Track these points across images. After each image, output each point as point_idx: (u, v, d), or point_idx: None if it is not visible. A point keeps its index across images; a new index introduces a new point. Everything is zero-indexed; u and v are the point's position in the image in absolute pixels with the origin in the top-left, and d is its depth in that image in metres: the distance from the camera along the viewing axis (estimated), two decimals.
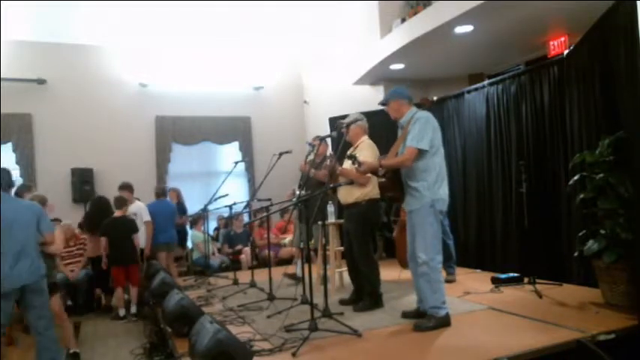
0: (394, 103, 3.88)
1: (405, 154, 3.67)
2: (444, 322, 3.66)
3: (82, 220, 7.33)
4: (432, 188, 3.66)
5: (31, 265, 3.72)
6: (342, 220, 4.80)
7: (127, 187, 6.65)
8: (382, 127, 4.33)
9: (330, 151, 6.18)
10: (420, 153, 3.64)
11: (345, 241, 4.66)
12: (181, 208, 7.68)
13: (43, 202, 4.62)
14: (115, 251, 5.98)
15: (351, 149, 4.54)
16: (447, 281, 5.25)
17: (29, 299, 3.75)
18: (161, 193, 7.17)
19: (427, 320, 3.67)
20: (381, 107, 4.10)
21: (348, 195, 4.41)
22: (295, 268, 5.77)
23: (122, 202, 6.14)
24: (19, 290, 3.68)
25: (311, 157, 5.32)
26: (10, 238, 3.67)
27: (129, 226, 6.04)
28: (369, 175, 4.17)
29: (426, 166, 3.67)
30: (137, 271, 6.02)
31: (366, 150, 4.33)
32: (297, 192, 5.49)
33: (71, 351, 4.55)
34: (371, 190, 4.31)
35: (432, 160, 3.68)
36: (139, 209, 6.51)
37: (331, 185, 4.26)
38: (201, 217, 7.39)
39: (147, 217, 6.50)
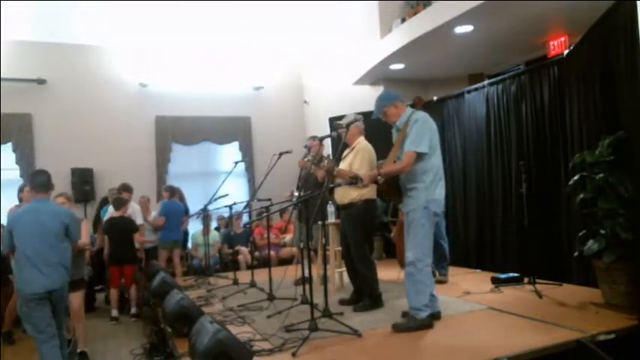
0: (391, 109, 3.82)
1: (404, 160, 3.62)
2: (425, 324, 3.61)
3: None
4: (429, 189, 3.63)
5: (58, 271, 3.75)
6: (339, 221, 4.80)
7: (126, 189, 6.70)
8: (381, 128, 4.33)
9: (328, 151, 6.20)
10: (419, 156, 3.60)
11: (343, 242, 4.67)
12: (184, 208, 7.72)
13: (69, 198, 4.74)
14: (111, 251, 6.00)
15: (348, 150, 4.53)
16: (440, 282, 5.26)
17: (54, 302, 3.79)
18: (173, 192, 7.22)
19: (407, 321, 3.66)
20: None
21: (344, 195, 4.41)
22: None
23: (121, 203, 6.15)
24: (46, 293, 3.70)
25: (308, 158, 5.35)
26: (39, 243, 3.71)
27: (127, 226, 6.04)
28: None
29: (424, 169, 3.64)
30: (132, 272, 6.01)
31: (361, 153, 4.34)
32: (296, 193, 5.50)
33: (79, 350, 4.60)
34: (367, 190, 4.29)
35: (429, 161, 3.65)
36: (134, 211, 6.52)
37: (330, 185, 4.26)
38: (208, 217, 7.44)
39: (140, 220, 6.52)
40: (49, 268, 3.69)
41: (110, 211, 6.44)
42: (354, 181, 3.79)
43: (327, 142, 6.84)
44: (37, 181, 3.89)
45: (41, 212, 3.79)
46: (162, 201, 7.18)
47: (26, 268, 3.69)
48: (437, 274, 5.42)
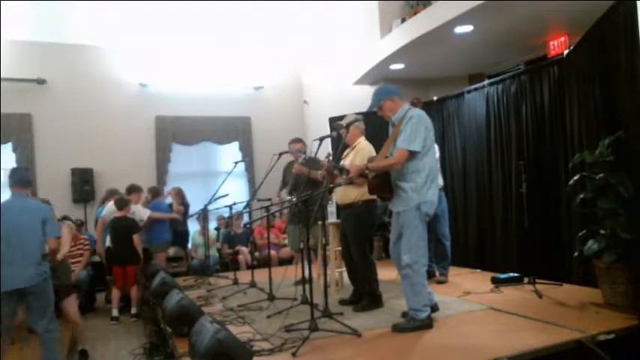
0: (388, 103, 3.74)
1: (395, 157, 3.56)
2: (425, 324, 3.59)
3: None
4: (421, 190, 3.56)
5: (32, 268, 3.71)
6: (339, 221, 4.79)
7: (135, 190, 6.71)
8: (382, 127, 4.33)
9: (329, 150, 6.21)
10: (411, 155, 3.53)
11: (343, 242, 4.66)
12: (185, 207, 7.75)
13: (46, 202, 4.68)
14: (114, 251, 6.00)
15: (348, 150, 4.53)
16: (439, 282, 5.26)
17: (29, 301, 3.77)
18: (156, 193, 7.25)
19: (407, 322, 3.64)
20: None
21: (344, 196, 4.40)
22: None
23: (124, 203, 6.14)
24: (17, 292, 3.68)
25: (301, 160, 5.36)
26: (11, 239, 3.67)
27: (129, 226, 6.03)
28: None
29: (416, 167, 3.56)
30: (135, 272, 6.01)
31: (362, 152, 4.33)
32: (288, 197, 5.52)
33: (79, 348, 4.62)
34: (367, 191, 4.27)
35: (422, 161, 3.57)
36: (138, 210, 6.52)
37: (330, 185, 4.25)
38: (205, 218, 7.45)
39: (146, 214, 6.53)
40: (23, 265, 3.66)
41: (106, 211, 6.44)
42: (340, 172, 3.76)
43: (327, 143, 6.84)
44: (17, 177, 3.89)
45: (22, 209, 3.77)
46: (149, 203, 7.17)
47: (2, 263, 3.66)
48: (437, 274, 5.42)
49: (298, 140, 5.72)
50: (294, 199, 4.82)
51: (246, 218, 8.24)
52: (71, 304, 4.58)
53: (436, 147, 5.24)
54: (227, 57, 9.58)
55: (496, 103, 6.00)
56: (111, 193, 6.87)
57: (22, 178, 3.91)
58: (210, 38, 9.04)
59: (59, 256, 4.17)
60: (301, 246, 4.86)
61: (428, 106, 6.12)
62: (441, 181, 5.28)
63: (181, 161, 9.28)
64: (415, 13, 6.24)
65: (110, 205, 6.35)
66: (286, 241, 8.18)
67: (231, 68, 9.61)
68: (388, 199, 3.82)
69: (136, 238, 6.01)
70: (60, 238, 4.05)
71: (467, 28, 5.68)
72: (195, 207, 7.54)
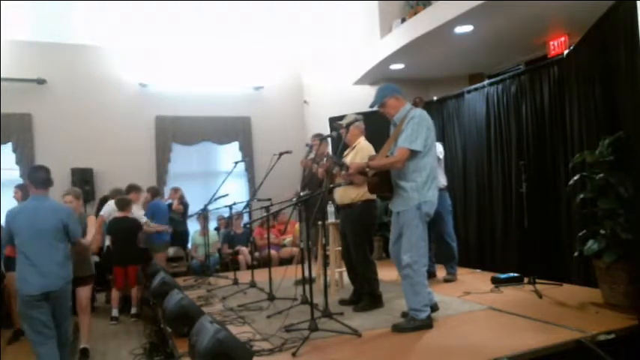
0: (392, 101, 3.75)
1: (396, 156, 3.56)
2: (425, 324, 3.60)
3: None
4: (422, 190, 3.57)
5: (55, 271, 3.65)
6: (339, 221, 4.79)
7: (134, 189, 6.70)
8: (382, 127, 4.32)
9: (329, 150, 6.19)
10: (413, 154, 3.54)
11: (343, 242, 4.66)
12: (184, 206, 7.74)
13: (77, 196, 4.69)
14: (115, 251, 6.00)
15: (348, 150, 4.53)
16: (447, 280, 5.27)
17: (53, 304, 3.69)
18: (155, 193, 7.25)
19: (407, 322, 3.65)
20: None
21: (344, 196, 4.40)
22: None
23: (125, 203, 6.13)
24: (43, 295, 3.60)
25: (311, 156, 5.34)
26: (36, 242, 3.61)
27: (131, 227, 6.03)
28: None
29: (417, 167, 3.57)
30: (136, 273, 6.01)
31: (362, 152, 4.33)
32: (302, 193, 5.51)
33: (81, 346, 4.61)
34: (367, 191, 4.26)
35: (423, 160, 3.58)
36: (137, 210, 6.52)
37: (330, 185, 4.25)
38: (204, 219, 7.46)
39: (143, 219, 6.52)
40: (46, 269, 3.59)
41: (107, 208, 6.43)
42: (340, 168, 3.76)
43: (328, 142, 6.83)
44: (35, 177, 3.75)
45: (39, 210, 3.66)
46: (149, 202, 7.16)
47: (24, 267, 3.59)
48: (436, 273, 5.42)
49: (316, 136, 5.68)
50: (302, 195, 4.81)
51: (246, 218, 8.24)
52: (86, 292, 4.63)
53: (441, 147, 5.26)
54: (227, 57, 9.58)
55: (496, 103, 6.00)
56: (115, 193, 6.87)
57: (42, 179, 3.76)
58: (210, 38, 9.04)
59: (92, 246, 4.13)
60: (301, 245, 4.86)
61: (428, 106, 6.11)
62: (444, 181, 5.29)
63: (181, 161, 9.28)
64: (415, 13, 6.25)
65: (111, 203, 6.34)
66: (286, 242, 8.18)
67: (231, 68, 9.61)
68: (388, 198, 3.83)
69: (140, 234, 6.03)
70: (83, 237, 4.03)
71: (467, 28, 5.68)
72: (195, 207, 7.54)
